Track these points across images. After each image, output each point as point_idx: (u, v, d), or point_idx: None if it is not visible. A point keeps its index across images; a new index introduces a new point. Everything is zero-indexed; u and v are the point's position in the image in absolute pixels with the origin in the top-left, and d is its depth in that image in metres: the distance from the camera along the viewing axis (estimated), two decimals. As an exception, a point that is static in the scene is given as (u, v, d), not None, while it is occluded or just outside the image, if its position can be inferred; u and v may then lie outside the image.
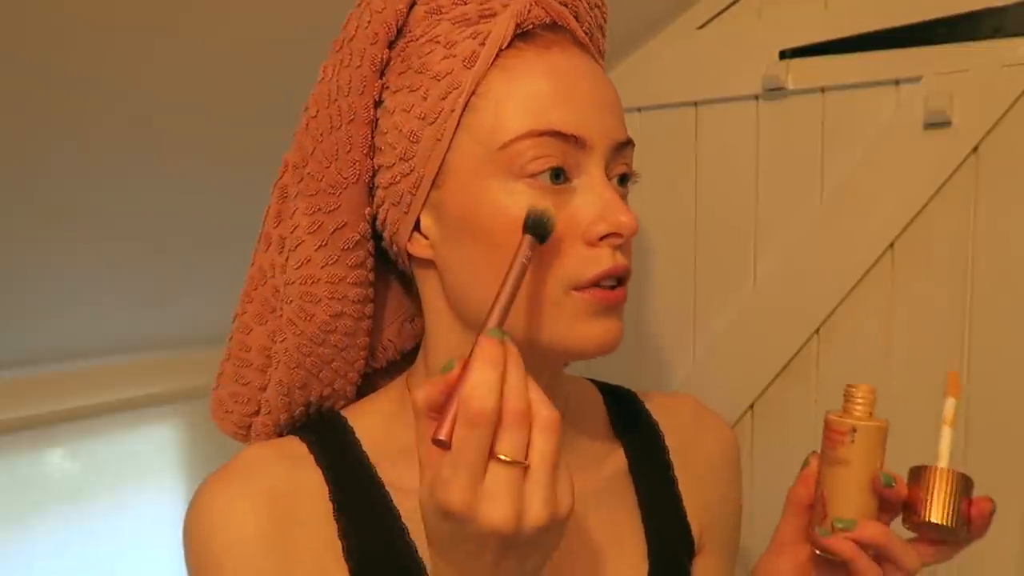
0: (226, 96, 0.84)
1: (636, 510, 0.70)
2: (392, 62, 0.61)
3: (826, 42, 1.01)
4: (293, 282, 0.64)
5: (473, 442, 0.46)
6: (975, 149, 0.94)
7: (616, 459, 0.72)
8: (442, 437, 0.47)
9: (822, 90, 1.03)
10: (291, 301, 0.64)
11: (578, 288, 0.58)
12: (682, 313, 1.16)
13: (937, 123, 0.95)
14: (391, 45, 0.61)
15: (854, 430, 0.58)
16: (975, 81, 0.93)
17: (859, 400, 0.59)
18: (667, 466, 0.74)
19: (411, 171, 0.60)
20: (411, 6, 0.61)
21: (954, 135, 0.94)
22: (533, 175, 0.57)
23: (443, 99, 0.58)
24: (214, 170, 0.91)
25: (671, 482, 0.73)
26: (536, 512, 0.46)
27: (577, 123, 0.57)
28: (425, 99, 0.59)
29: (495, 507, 0.46)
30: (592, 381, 0.78)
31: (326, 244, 0.63)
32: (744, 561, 0.88)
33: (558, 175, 0.57)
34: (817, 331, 1.06)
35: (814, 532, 0.60)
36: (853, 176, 1.02)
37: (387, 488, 0.63)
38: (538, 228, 0.54)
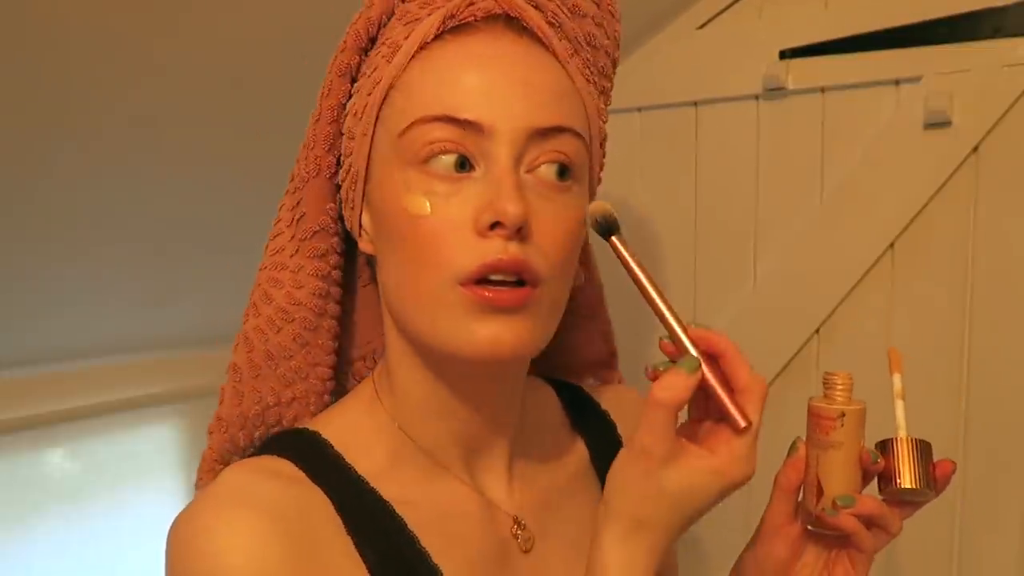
0: (226, 98, 0.84)
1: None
2: (362, 67, 0.63)
3: (826, 42, 1.01)
4: (265, 267, 0.66)
5: (760, 418, 0.56)
6: (975, 149, 0.94)
7: (579, 452, 0.73)
8: (745, 423, 0.55)
9: (822, 90, 1.03)
10: (259, 285, 0.65)
11: (463, 283, 0.54)
12: (682, 313, 1.15)
13: (937, 123, 0.95)
14: (365, 52, 0.62)
15: (843, 415, 0.61)
16: (975, 81, 0.93)
17: (840, 386, 0.63)
18: None
19: (350, 168, 0.61)
20: (390, 15, 0.61)
21: (954, 135, 0.94)
22: (425, 161, 0.55)
23: (369, 95, 0.59)
24: (214, 171, 0.91)
25: None
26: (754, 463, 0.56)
27: (474, 107, 0.55)
28: (363, 97, 0.60)
29: (747, 467, 0.55)
30: (545, 378, 0.78)
31: (294, 235, 0.64)
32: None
33: (463, 164, 0.55)
34: (817, 331, 1.06)
35: (819, 512, 0.63)
36: (853, 176, 1.02)
37: (385, 500, 0.60)
38: (607, 224, 0.56)
